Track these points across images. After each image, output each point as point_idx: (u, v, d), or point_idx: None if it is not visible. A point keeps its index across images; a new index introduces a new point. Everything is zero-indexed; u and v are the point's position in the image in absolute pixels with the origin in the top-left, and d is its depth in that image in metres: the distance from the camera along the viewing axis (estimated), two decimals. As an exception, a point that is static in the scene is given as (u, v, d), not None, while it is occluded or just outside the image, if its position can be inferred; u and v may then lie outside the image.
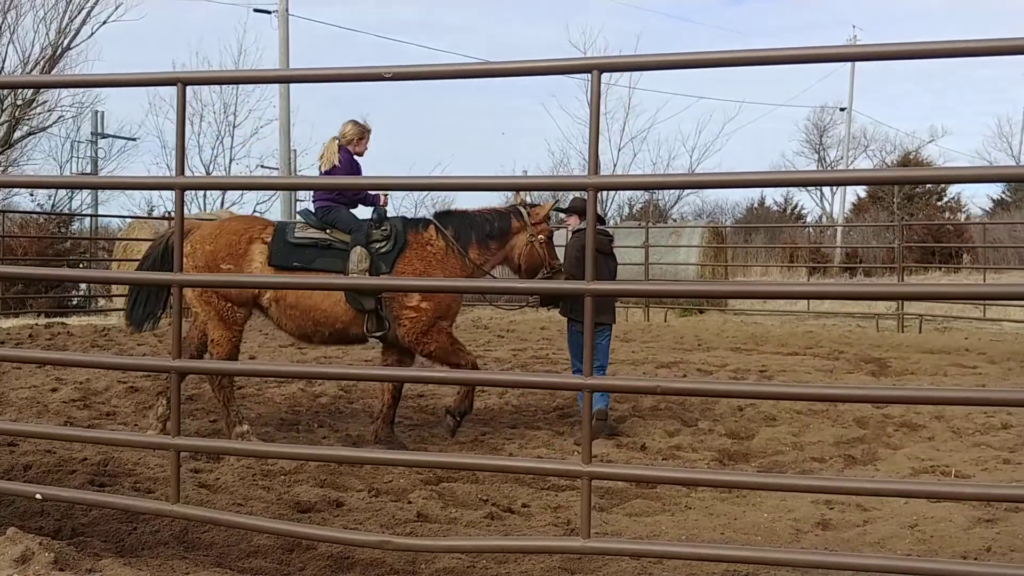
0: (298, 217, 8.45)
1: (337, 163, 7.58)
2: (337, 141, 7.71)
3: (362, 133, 7.80)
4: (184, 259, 6.59)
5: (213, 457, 6.65)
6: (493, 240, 7.78)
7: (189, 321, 7.92)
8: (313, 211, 7.54)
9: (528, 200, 8.19)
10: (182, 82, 4.13)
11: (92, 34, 31.98)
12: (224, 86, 37.97)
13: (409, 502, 5.84)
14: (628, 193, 41.11)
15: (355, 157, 7.75)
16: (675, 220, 38.74)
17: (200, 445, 5.46)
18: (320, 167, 7.80)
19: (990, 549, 5.04)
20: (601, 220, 9.33)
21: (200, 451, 6.35)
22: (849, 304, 21.04)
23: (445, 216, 7.87)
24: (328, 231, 7.42)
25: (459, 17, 75.27)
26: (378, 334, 7.49)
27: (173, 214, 4.41)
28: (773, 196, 51.50)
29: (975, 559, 4.82)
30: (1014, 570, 3.69)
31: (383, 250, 7.41)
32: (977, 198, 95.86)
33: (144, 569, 4.17)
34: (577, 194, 8.32)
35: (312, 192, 7.93)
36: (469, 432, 8.16)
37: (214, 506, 5.51)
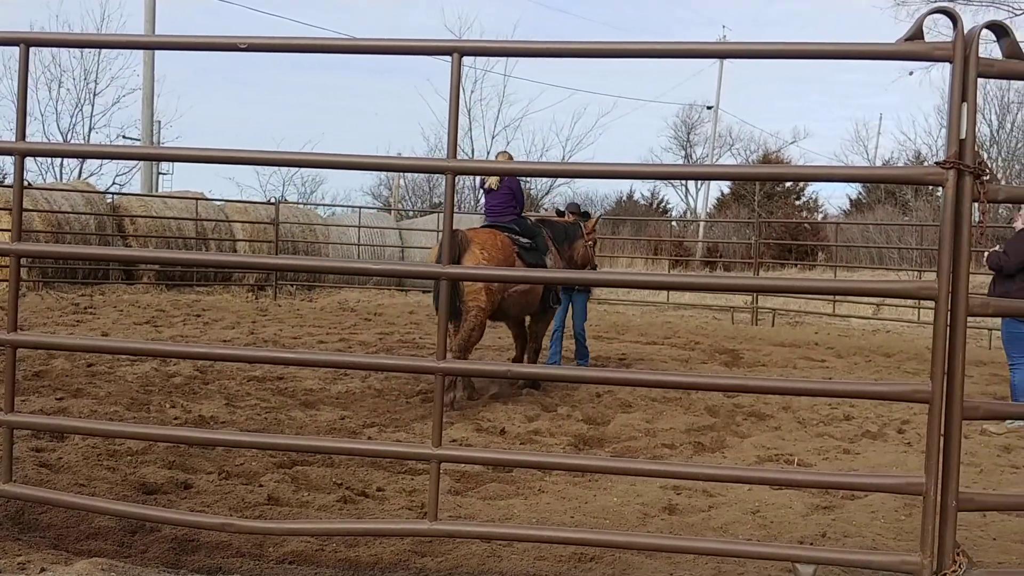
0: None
1: (500, 183, 9.89)
2: None
3: (511, 158, 10.65)
4: (483, 263, 8.74)
5: (57, 436, 6.40)
6: (567, 242, 10.81)
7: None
8: (506, 223, 9.78)
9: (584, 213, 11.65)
10: (25, 43, 3.94)
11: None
12: (86, 52, 36.48)
13: (260, 485, 5.72)
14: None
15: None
16: (546, 210, 39.13)
17: (36, 422, 5.21)
18: (488, 186, 10.02)
19: (825, 535, 5.24)
20: (585, 215, 11.69)
21: (37, 428, 6.08)
22: (708, 297, 21.71)
23: (545, 223, 10.80)
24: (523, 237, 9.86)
25: (337, -6, 74.04)
26: (556, 305, 10.41)
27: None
28: (641, 190, 52.58)
29: (811, 544, 5.02)
30: (845, 554, 3.87)
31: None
32: (834, 198, 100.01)
33: (-28, 552, 3.98)
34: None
35: (487, 210, 10.18)
36: (328, 415, 8.07)
37: (54, 486, 5.29)
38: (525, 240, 9.81)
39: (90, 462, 5.94)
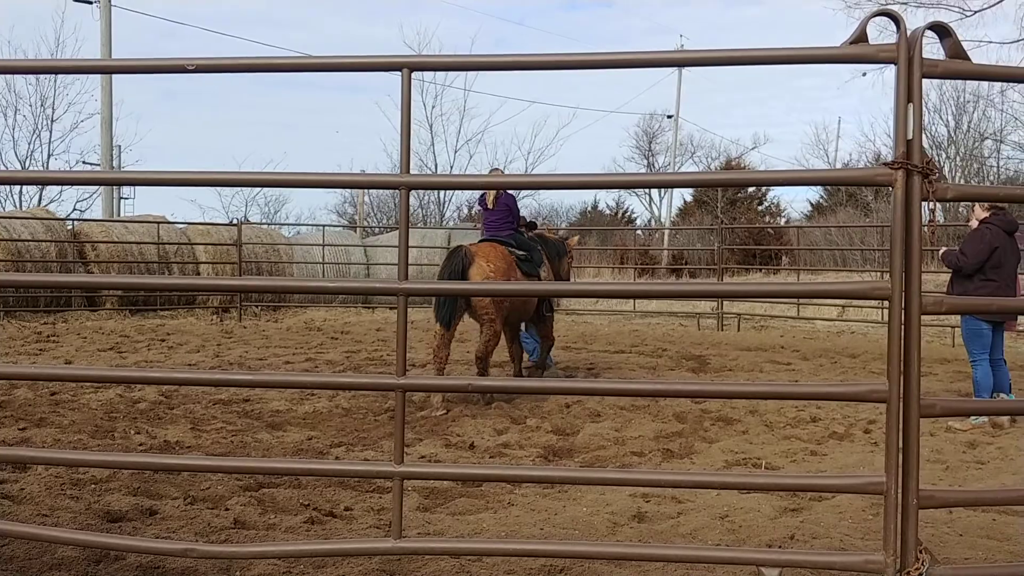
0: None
1: (497, 200, 10.62)
2: None
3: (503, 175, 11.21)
4: (490, 274, 9.59)
5: (19, 466, 6.30)
6: (558, 258, 11.69)
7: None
8: (504, 238, 10.50)
9: (563, 234, 12.64)
10: (-29, 70, 3.91)
11: None
12: (41, 77, 36.15)
13: (226, 509, 5.66)
14: (466, 195, 41.34)
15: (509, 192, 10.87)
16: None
17: (-4, 455, 5.15)
18: (488, 202, 10.72)
19: (794, 537, 5.26)
20: (532, 226, 12.24)
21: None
22: (674, 304, 21.82)
23: (542, 240, 11.53)
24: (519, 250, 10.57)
25: (293, 12, 73.75)
26: (550, 313, 11.26)
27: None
28: (606, 200, 52.75)
29: (779, 547, 5.03)
30: (810, 555, 3.89)
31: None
32: (796, 202, 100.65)
33: (-70, 588, 3.91)
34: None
35: (485, 225, 10.89)
36: (295, 436, 8.01)
37: (16, 518, 5.21)
38: (521, 252, 10.54)
39: (53, 492, 5.86)
